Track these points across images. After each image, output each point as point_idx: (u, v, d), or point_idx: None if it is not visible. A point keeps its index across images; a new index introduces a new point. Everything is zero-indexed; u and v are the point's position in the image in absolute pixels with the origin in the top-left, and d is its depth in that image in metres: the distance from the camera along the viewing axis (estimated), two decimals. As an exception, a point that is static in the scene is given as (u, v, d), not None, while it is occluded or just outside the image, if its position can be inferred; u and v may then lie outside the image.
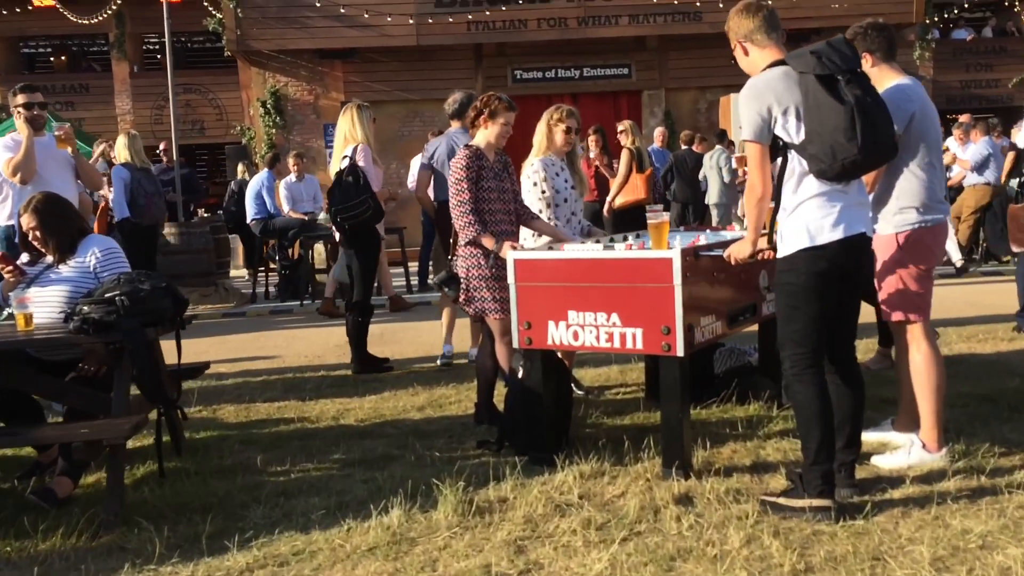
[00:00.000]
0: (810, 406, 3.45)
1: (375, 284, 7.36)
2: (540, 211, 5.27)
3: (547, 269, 4.25)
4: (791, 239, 3.48)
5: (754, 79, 3.54)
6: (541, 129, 5.36)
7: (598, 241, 4.92)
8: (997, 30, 21.09)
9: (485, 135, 4.92)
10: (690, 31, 15.99)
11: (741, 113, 3.56)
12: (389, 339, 8.07)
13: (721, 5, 15.16)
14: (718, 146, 12.52)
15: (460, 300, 4.91)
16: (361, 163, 6.55)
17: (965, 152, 11.65)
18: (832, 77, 3.32)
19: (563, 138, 5.32)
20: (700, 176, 12.57)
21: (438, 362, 6.88)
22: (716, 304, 4.24)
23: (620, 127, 9.57)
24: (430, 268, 9.40)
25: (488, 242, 4.74)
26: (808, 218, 3.45)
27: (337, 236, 7.04)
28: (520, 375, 4.53)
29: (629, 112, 16.56)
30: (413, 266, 11.58)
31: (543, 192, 5.25)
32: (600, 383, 5.94)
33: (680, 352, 3.91)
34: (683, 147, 13.10)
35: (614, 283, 4.04)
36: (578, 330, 4.16)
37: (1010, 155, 11.16)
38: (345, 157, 6.61)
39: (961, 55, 20.09)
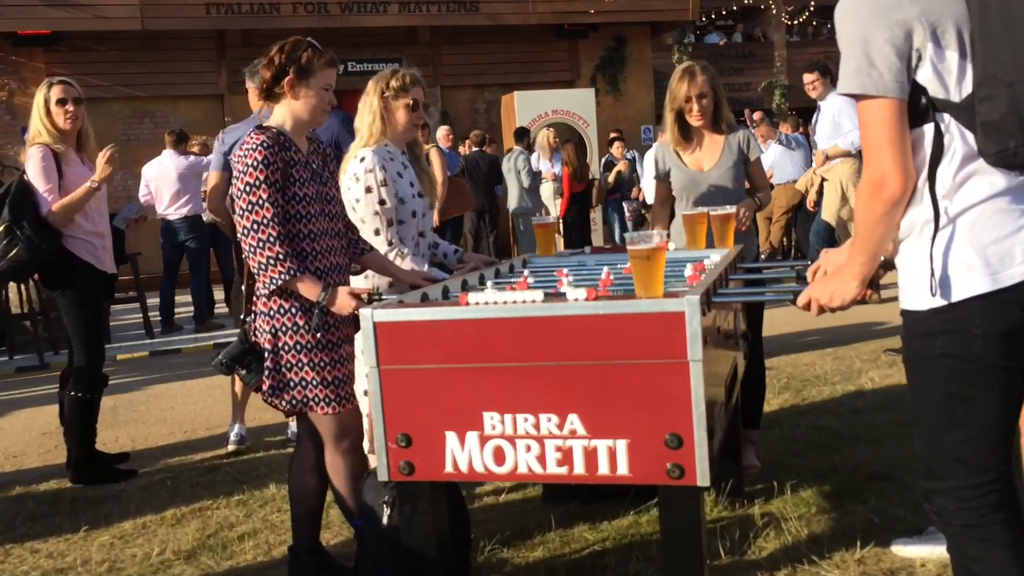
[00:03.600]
0: None
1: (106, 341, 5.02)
2: (377, 231, 3.37)
3: (441, 339, 2.34)
4: (951, 277, 1.85)
5: None
6: (370, 106, 3.47)
7: (488, 280, 3.07)
8: (745, 36, 21.57)
9: (291, 109, 2.94)
10: (466, 23, 14.45)
11: (842, 44, 1.90)
12: (125, 416, 5.72)
13: (500, -6, 13.81)
14: (516, 147, 11.02)
15: (264, 388, 2.90)
16: (34, 168, 4.35)
17: (767, 150, 10.88)
18: None
19: (406, 117, 3.45)
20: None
21: (228, 447, 4.75)
22: (718, 381, 2.56)
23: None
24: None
25: (309, 289, 2.78)
26: (980, 240, 1.83)
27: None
28: (384, 520, 2.61)
29: (400, 112, 14.74)
30: (153, 300, 9.07)
31: (380, 203, 3.35)
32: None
33: (702, 479, 2.18)
34: (473, 149, 11.50)
35: (574, 360, 2.24)
36: (503, 447, 2.31)
37: (818, 155, 10.59)
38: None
39: (716, 59, 20.23)
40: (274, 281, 2.76)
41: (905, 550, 2.87)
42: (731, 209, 3.48)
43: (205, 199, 6.90)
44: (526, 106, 13.74)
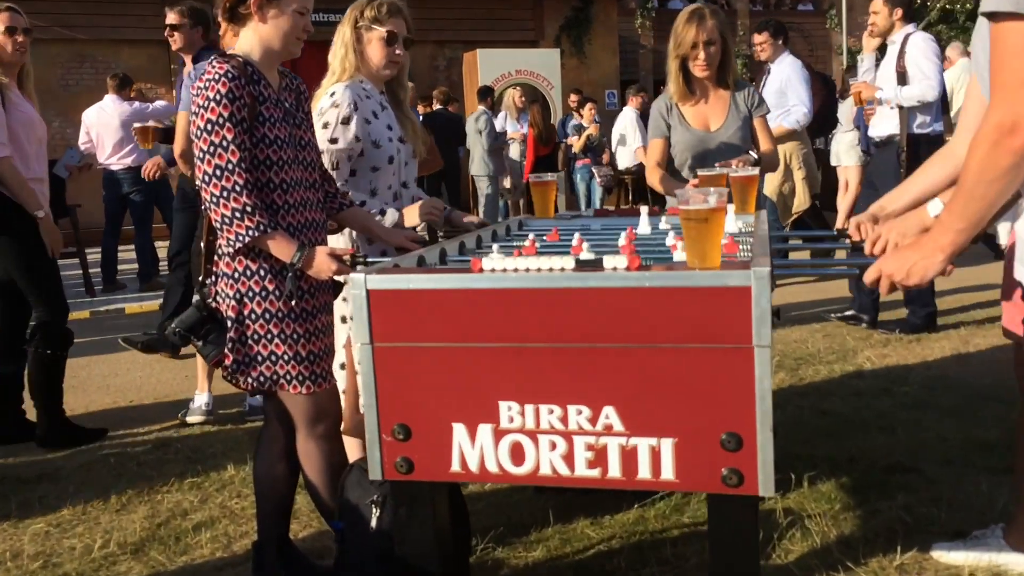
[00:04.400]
0: None
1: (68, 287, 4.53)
2: (345, 181, 2.95)
3: (450, 312, 1.95)
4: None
5: None
6: (342, 37, 3.04)
7: (489, 243, 2.68)
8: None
9: (259, 35, 2.50)
10: (428, -26, 13.84)
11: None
12: (71, 384, 5.22)
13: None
14: (480, 106, 10.56)
15: (226, 363, 2.48)
16: None
17: None
18: None
19: (382, 51, 3.02)
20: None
21: (185, 418, 4.33)
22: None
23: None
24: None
25: (281, 248, 2.37)
26: None
27: None
28: (372, 523, 2.23)
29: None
30: (94, 255, 8.47)
31: (331, 140, 2.93)
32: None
33: (765, 488, 1.83)
34: (436, 107, 11.03)
35: (611, 342, 1.87)
36: (522, 443, 1.94)
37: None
38: None
39: (679, 26, 19.97)
40: (240, 238, 2.33)
41: (949, 556, 2.58)
42: (754, 170, 3.12)
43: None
44: (489, 65, 13.25)
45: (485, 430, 1.95)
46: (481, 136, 10.26)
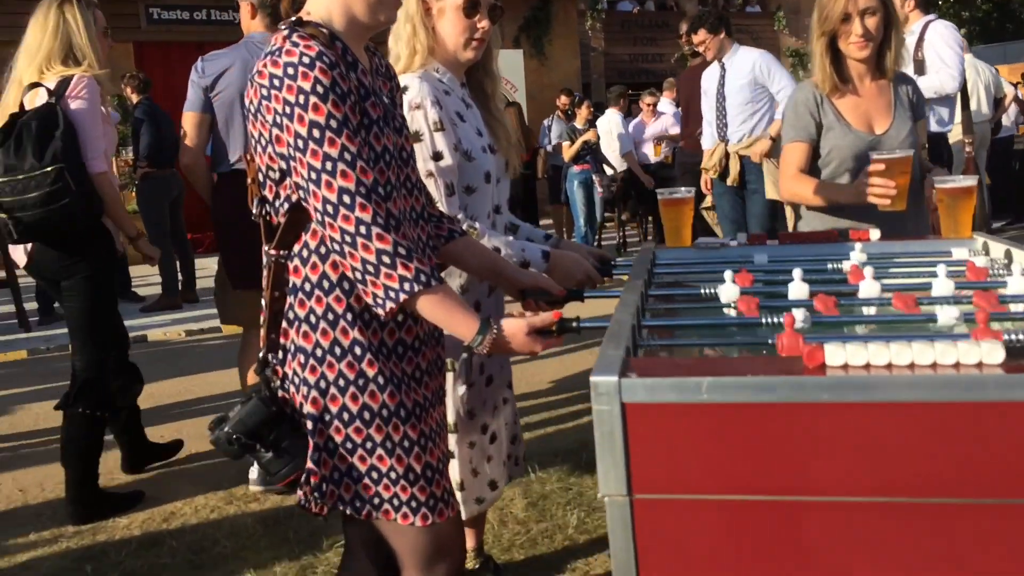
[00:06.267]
0: None
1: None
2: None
3: (766, 442, 1.13)
4: None
5: None
6: (406, 12, 2.21)
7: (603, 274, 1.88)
8: (658, 4, 20.77)
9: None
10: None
11: None
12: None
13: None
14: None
15: (305, 484, 1.64)
16: (78, 105, 3.16)
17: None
18: None
19: (461, 26, 2.21)
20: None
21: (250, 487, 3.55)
22: None
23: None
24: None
25: (454, 316, 1.60)
26: None
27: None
28: None
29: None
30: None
31: (435, 156, 2.12)
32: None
33: None
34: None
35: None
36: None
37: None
38: (38, 87, 3.19)
39: (629, 27, 19.57)
40: (391, 295, 1.51)
41: None
42: (972, 180, 2.38)
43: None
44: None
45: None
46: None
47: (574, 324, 1.55)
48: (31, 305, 7.26)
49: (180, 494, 3.54)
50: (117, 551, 3.08)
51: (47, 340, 6.62)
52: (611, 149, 8.87)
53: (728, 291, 1.64)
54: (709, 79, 5.74)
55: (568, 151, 8.53)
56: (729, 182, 5.67)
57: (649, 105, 9.32)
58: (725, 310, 1.63)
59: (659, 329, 1.49)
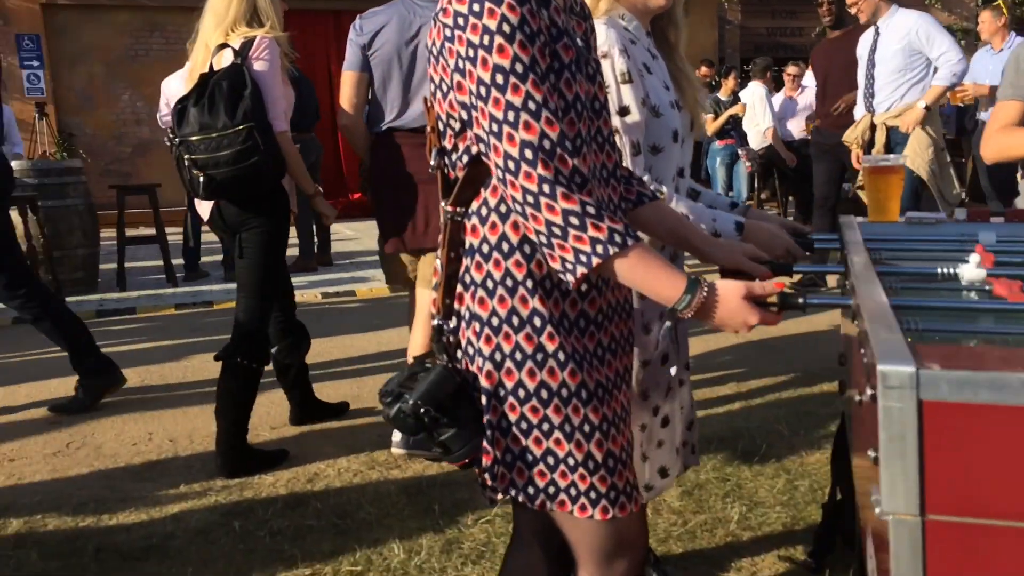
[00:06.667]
0: None
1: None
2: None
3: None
4: None
5: None
6: None
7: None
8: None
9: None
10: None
11: None
12: (156, 399, 4.32)
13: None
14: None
15: (483, 465, 1.52)
16: (261, 66, 3.22)
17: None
18: None
19: None
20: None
21: (393, 449, 3.53)
22: None
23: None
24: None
25: (657, 278, 1.40)
26: None
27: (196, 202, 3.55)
28: None
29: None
30: (176, 237, 7.65)
31: (622, 111, 1.95)
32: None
33: None
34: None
35: None
36: None
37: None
38: (225, 48, 3.24)
39: (768, 1, 18.89)
40: (583, 261, 1.36)
41: None
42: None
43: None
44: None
45: None
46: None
47: (800, 300, 1.36)
48: (177, 262, 7.52)
49: (322, 455, 3.54)
50: (264, 509, 3.09)
51: (193, 295, 6.83)
52: (752, 124, 8.49)
53: (972, 272, 1.43)
54: (863, 45, 5.37)
55: (712, 125, 8.19)
56: (874, 153, 5.27)
57: (793, 77, 8.86)
58: (966, 293, 1.42)
59: (909, 311, 1.28)
